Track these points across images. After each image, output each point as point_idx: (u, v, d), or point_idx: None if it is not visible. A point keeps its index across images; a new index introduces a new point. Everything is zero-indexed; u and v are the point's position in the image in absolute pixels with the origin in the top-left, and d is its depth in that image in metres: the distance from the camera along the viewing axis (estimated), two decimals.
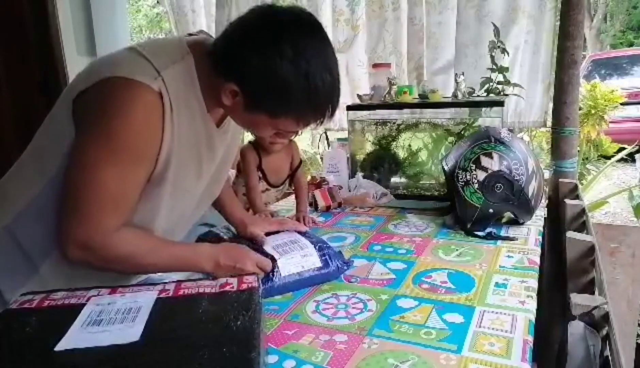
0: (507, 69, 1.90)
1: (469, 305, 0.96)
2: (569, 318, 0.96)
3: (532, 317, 0.91)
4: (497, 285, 1.05)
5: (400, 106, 1.83)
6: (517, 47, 2.06)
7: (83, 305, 0.76)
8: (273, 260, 1.07)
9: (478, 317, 0.91)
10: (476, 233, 1.37)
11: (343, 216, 1.66)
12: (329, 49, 0.90)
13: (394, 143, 1.88)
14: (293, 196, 1.72)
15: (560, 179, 1.79)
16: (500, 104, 1.67)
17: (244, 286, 0.82)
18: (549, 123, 1.96)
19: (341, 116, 2.18)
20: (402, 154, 1.88)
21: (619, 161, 3.94)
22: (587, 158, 3.66)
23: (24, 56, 2.50)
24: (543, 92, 2.08)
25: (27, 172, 0.94)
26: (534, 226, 1.44)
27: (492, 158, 1.37)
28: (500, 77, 1.89)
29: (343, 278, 1.12)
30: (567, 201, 1.55)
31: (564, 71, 1.74)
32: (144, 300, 0.77)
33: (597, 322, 0.95)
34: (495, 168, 1.36)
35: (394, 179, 1.92)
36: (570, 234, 1.26)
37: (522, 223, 1.45)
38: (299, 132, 1.06)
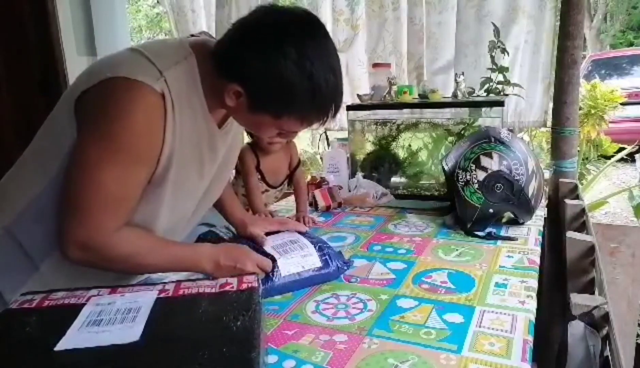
0: (507, 69, 1.90)
1: (469, 305, 0.96)
2: (569, 318, 0.96)
3: (532, 317, 0.91)
4: (497, 285, 1.05)
5: (400, 106, 1.83)
6: (517, 47, 2.06)
7: (83, 305, 0.76)
8: (273, 260, 1.07)
9: (478, 317, 0.91)
10: (476, 233, 1.37)
11: (343, 216, 1.66)
12: (332, 49, 0.90)
13: (394, 142, 1.88)
14: (293, 196, 1.72)
15: (560, 179, 1.79)
16: (500, 104, 1.67)
17: (244, 286, 0.82)
18: (549, 123, 1.96)
19: (341, 116, 2.18)
20: (402, 154, 1.89)
21: (619, 161, 3.94)
22: (587, 158, 3.66)
23: (23, 56, 2.50)
24: (543, 92, 2.08)
25: (27, 172, 0.94)
26: (534, 226, 1.44)
27: (492, 158, 1.37)
28: (500, 77, 1.89)
29: (343, 278, 1.12)
30: (567, 201, 1.55)
31: (564, 71, 1.75)
32: (144, 300, 0.77)
33: (597, 322, 0.95)
34: (495, 168, 1.36)
35: (394, 179, 1.92)
36: (570, 234, 1.26)
37: (522, 223, 1.45)
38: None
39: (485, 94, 1.90)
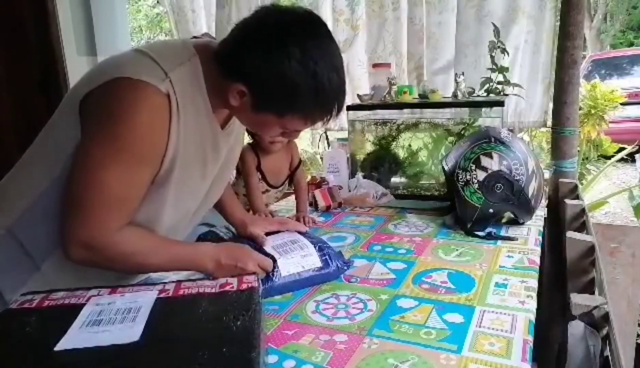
0: (507, 69, 1.90)
1: (469, 305, 0.96)
2: (569, 318, 0.96)
3: (532, 317, 0.91)
4: (497, 285, 1.05)
5: (400, 106, 1.83)
6: (517, 47, 2.06)
7: (83, 305, 0.76)
8: (273, 260, 1.07)
9: (478, 317, 0.91)
10: (476, 233, 1.37)
11: (343, 216, 1.66)
12: (335, 48, 0.91)
13: (394, 142, 1.88)
14: (293, 196, 1.72)
15: (560, 179, 1.79)
16: (500, 104, 1.67)
17: (244, 286, 0.82)
18: (549, 123, 1.96)
19: (341, 115, 2.17)
20: (402, 154, 1.89)
21: (619, 161, 3.94)
22: (587, 158, 3.65)
23: (23, 56, 2.50)
24: (543, 92, 2.08)
25: (30, 173, 0.94)
26: (534, 226, 1.44)
27: (492, 158, 1.37)
28: (500, 77, 1.89)
29: (343, 278, 1.12)
30: (567, 201, 1.55)
31: (564, 71, 1.74)
32: (144, 300, 0.77)
33: (597, 322, 0.95)
34: (495, 168, 1.36)
35: (394, 179, 1.92)
36: (570, 234, 1.26)
37: (522, 223, 1.45)
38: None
39: (485, 94, 1.90)
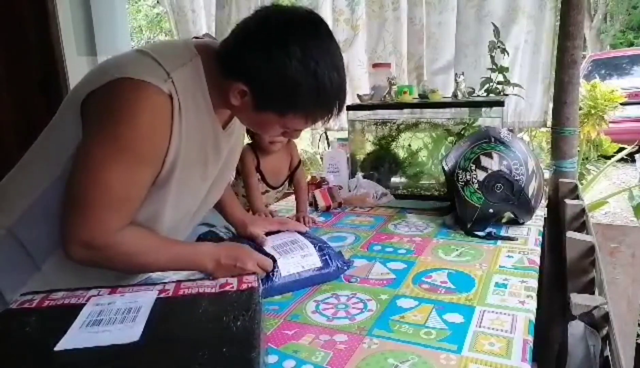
0: (507, 69, 1.90)
1: (469, 305, 0.96)
2: (569, 318, 0.96)
3: (532, 317, 0.91)
4: (497, 285, 1.05)
5: (400, 106, 1.83)
6: (517, 47, 2.06)
7: (83, 305, 0.76)
8: (273, 260, 1.07)
9: (478, 317, 0.91)
10: (476, 233, 1.37)
11: (343, 216, 1.66)
12: (335, 48, 0.91)
13: (394, 143, 1.88)
14: (293, 196, 1.72)
15: (560, 179, 1.79)
16: (500, 104, 1.67)
17: (244, 286, 0.82)
18: (549, 123, 1.96)
19: (341, 115, 2.17)
20: (402, 154, 1.88)
21: (619, 161, 3.93)
22: (587, 158, 3.65)
23: (23, 56, 2.50)
24: (543, 92, 2.08)
25: (30, 173, 0.94)
26: (534, 226, 1.44)
27: (492, 158, 1.37)
28: (500, 77, 1.89)
29: (343, 278, 1.12)
30: (567, 201, 1.55)
31: (564, 71, 1.74)
32: (144, 300, 0.77)
33: (597, 322, 0.95)
34: (495, 168, 1.36)
35: (394, 179, 1.92)
36: (570, 234, 1.26)
37: (522, 223, 1.45)
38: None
39: (485, 94, 1.90)
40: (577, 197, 1.64)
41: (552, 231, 1.63)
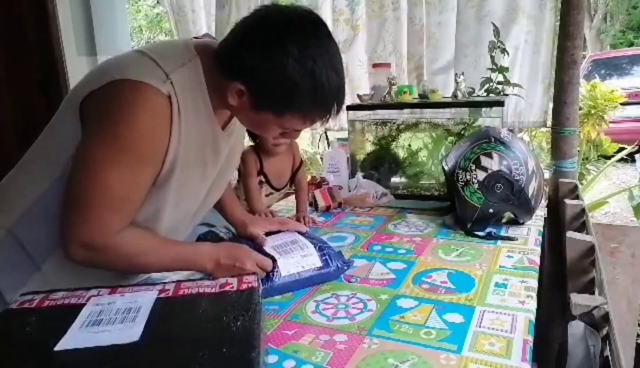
0: (507, 69, 1.90)
1: (469, 305, 0.96)
2: (569, 318, 0.96)
3: (532, 317, 0.91)
4: (497, 285, 1.05)
5: (400, 106, 1.83)
6: (517, 47, 2.06)
7: (83, 305, 0.76)
8: (273, 260, 1.07)
9: (478, 317, 0.91)
10: (476, 233, 1.37)
11: (343, 216, 1.66)
12: (334, 48, 0.91)
13: (394, 143, 1.88)
14: (293, 196, 1.71)
15: (560, 179, 1.79)
16: (500, 104, 1.67)
17: (244, 286, 0.82)
18: (549, 123, 1.96)
19: (341, 116, 2.18)
20: (402, 154, 1.88)
21: (619, 161, 3.93)
22: (587, 158, 3.65)
23: (24, 56, 2.50)
24: (543, 92, 2.08)
25: (30, 173, 0.94)
26: (534, 226, 1.44)
27: (492, 158, 1.37)
28: (500, 77, 1.89)
29: (343, 278, 1.12)
30: (567, 201, 1.55)
31: (564, 71, 1.74)
32: (144, 300, 0.77)
33: (597, 322, 0.95)
34: (495, 168, 1.36)
35: (394, 179, 1.92)
36: (570, 234, 1.26)
37: (522, 223, 1.45)
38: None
39: (485, 94, 1.90)
40: (577, 197, 1.64)
41: (552, 231, 1.63)
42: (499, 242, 1.31)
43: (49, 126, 0.94)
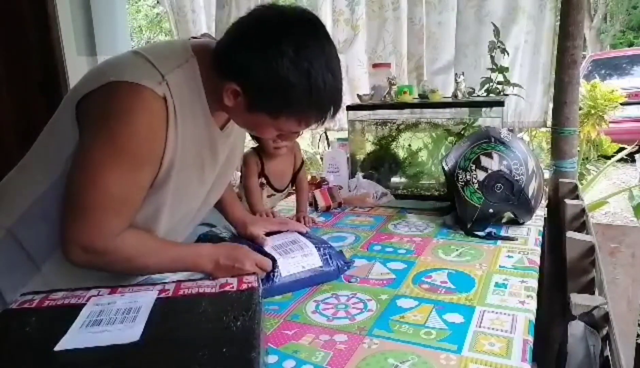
0: (507, 69, 1.90)
1: (469, 305, 0.96)
2: (569, 318, 0.96)
3: (532, 317, 0.91)
4: (497, 285, 1.05)
5: (400, 106, 1.83)
6: (517, 47, 2.06)
7: (83, 305, 0.76)
8: (273, 260, 1.07)
9: (478, 317, 0.91)
10: (476, 233, 1.37)
11: (343, 216, 1.66)
12: (331, 49, 0.90)
13: (394, 142, 1.88)
14: (293, 197, 1.71)
15: (560, 179, 1.79)
16: (500, 104, 1.67)
17: (244, 286, 0.82)
18: (549, 123, 1.96)
19: (341, 116, 2.18)
20: (402, 154, 1.88)
21: (619, 161, 3.93)
22: (587, 158, 3.66)
23: (24, 57, 2.50)
24: (543, 92, 2.08)
25: (30, 174, 0.94)
26: (534, 226, 1.44)
27: (492, 158, 1.37)
28: (500, 77, 1.89)
29: (343, 278, 1.12)
30: (567, 201, 1.55)
31: (564, 71, 1.74)
32: (144, 300, 0.77)
33: (597, 322, 0.95)
34: (495, 168, 1.36)
35: (394, 179, 1.92)
36: (570, 234, 1.26)
37: (522, 223, 1.45)
38: (301, 133, 1.06)
39: (485, 94, 1.90)
40: (577, 197, 1.64)
41: (552, 231, 1.63)
42: (499, 242, 1.31)
43: (48, 126, 0.94)
